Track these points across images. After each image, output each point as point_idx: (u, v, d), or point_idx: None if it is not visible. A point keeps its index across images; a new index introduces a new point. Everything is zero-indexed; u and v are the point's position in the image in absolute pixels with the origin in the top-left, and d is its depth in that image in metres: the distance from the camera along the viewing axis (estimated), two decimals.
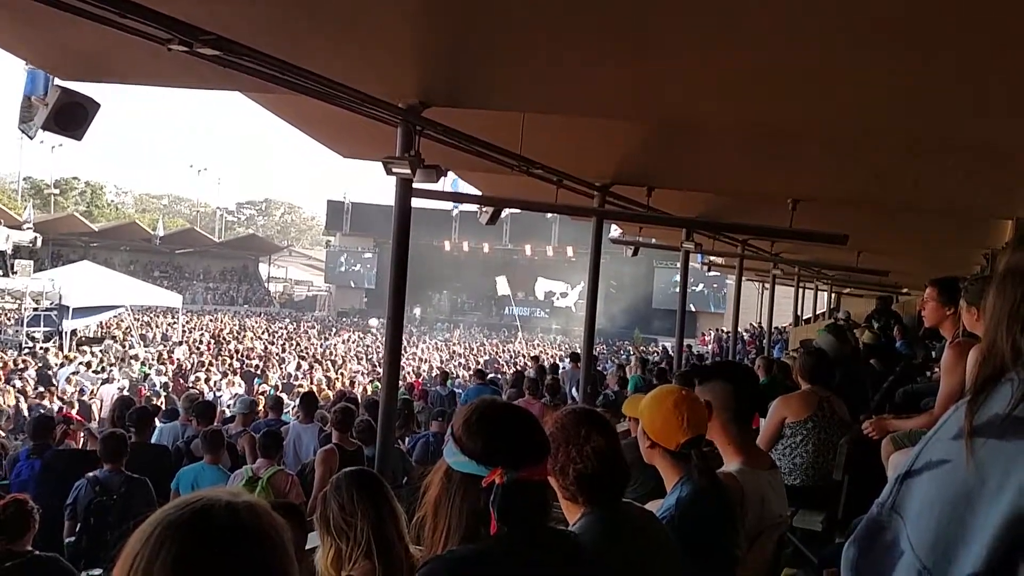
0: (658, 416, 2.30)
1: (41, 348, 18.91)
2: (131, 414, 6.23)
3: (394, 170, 4.23)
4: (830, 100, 3.88)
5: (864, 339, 8.11)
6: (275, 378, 16.11)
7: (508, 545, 1.44)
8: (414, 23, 3.35)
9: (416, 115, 4.23)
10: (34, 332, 20.38)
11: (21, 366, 14.98)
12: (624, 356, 23.88)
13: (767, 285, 15.07)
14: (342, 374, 17.27)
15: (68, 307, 20.27)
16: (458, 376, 17.26)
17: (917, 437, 1.80)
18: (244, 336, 26.40)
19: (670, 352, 15.50)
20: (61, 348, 19.26)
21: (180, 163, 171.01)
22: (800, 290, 16.86)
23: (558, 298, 42.65)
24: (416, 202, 4.67)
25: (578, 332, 28.31)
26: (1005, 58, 2.89)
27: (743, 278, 13.16)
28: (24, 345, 19.55)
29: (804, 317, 18.46)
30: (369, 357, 22.85)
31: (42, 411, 10.34)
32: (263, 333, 28.72)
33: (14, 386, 12.66)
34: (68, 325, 20.31)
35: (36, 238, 28.13)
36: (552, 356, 24.98)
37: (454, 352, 26.98)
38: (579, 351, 10.10)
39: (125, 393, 11.60)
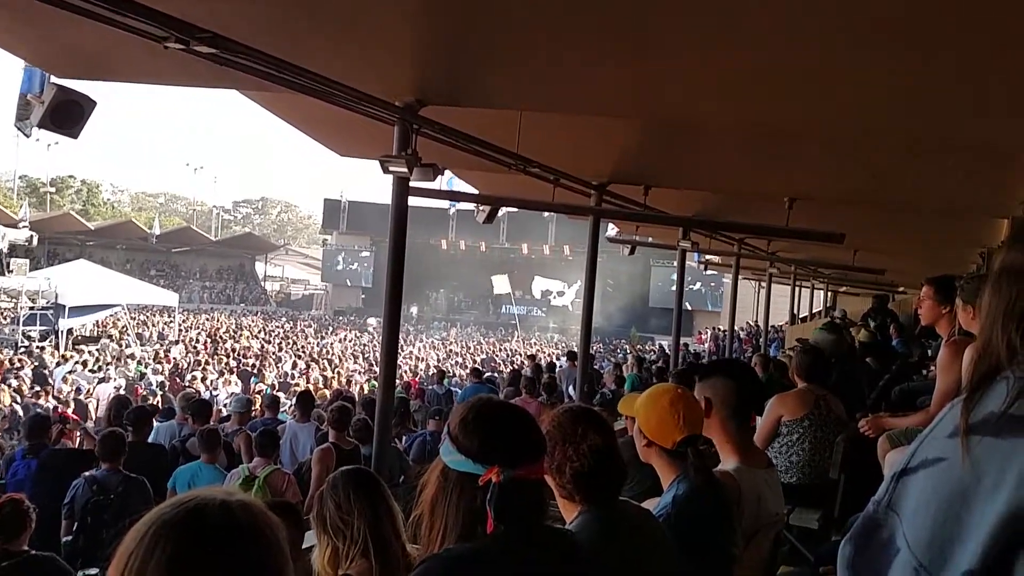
0: (654, 414, 2.30)
1: (37, 347, 18.84)
2: (130, 413, 6.24)
3: (391, 169, 4.21)
4: (830, 100, 3.88)
5: (860, 337, 8.14)
6: (271, 377, 16.10)
7: (505, 544, 1.44)
8: (414, 23, 3.34)
9: (413, 113, 4.22)
10: (30, 331, 20.35)
11: (17, 365, 14.95)
12: (621, 355, 23.89)
13: (763, 284, 15.10)
14: (339, 373, 17.22)
15: (64, 306, 20.23)
16: (455, 375, 17.26)
17: (913, 435, 1.80)
18: (240, 335, 26.36)
19: (667, 351, 15.52)
20: (57, 347, 19.24)
21: (176, 162, 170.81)
22: (796, 289, 16.87)
23: (555, 297, 42.65)
24: (413, 201, 4.67)
25: (575, 331, 28.42)
26: (1005, 58, 2.89)
27: (740, 277, 13.17)
28: (20, 344, 19.52)
29: (800, 316, 18.48)
30: (366, 356, 22.82)
31: (38, 410, 10.34)
32: (259, 332, 28.69)
33: (10, 385, 12.64)
34: (64, 324, 20.29)
35: (32, 236, 28.00)
36: (549, 355, 25.02)
37: (451, 351, 26.95)
38: (576, 350, 10.10)
39: (121, 392, 11.62)
